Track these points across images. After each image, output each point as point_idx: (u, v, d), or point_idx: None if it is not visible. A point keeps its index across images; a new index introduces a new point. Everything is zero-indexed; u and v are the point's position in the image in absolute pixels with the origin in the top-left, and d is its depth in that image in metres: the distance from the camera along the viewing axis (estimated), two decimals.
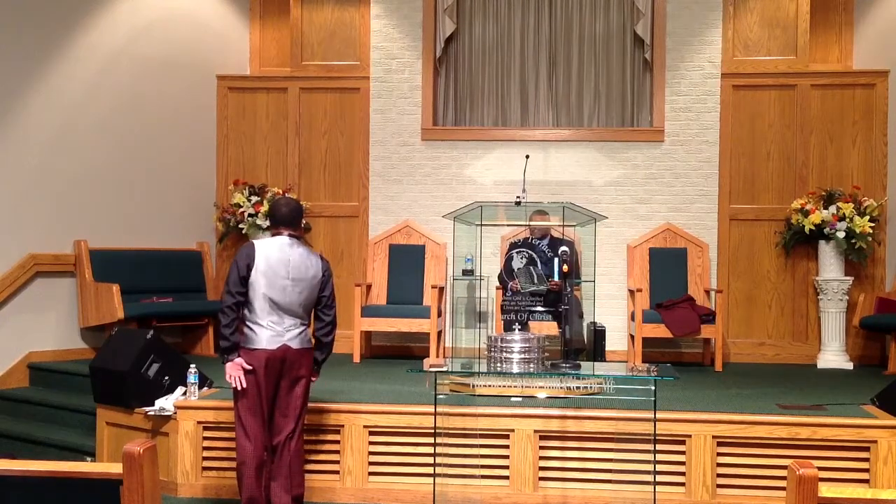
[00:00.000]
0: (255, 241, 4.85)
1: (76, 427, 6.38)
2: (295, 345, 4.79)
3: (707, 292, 7.97)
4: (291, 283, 4.77)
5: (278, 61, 8.96)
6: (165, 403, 5.52)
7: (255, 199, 8.29)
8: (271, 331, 4.75)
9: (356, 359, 7.74)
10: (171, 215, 8.21)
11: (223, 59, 8.81)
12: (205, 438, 5.53)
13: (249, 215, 8.24)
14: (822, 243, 7.84)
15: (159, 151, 8.16)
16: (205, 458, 5.53)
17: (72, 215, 7.44)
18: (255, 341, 4.75)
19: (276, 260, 4.75)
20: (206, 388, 5.84)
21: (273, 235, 4.90)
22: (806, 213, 7.77)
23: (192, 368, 5.63)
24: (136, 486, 2.18)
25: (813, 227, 7.71)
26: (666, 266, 8.03)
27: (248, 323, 4.77)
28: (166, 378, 5.64)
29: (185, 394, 5.59)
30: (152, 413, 5.50)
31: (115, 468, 2.20)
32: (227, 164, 8.77)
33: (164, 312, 7.52)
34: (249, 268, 4.72)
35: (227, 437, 5.51)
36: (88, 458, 5.79)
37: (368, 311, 7.81)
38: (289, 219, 4.91)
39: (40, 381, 7.08)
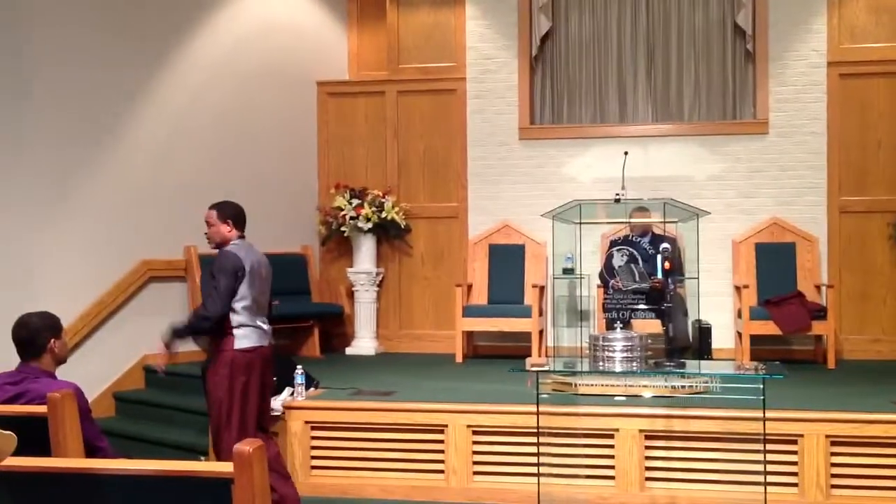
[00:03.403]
0: (233, 249, 4.92)
1: (189, 427, 6.57)
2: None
3: (817, 287, 7.73)
4: (267, 284, 5.06)
5: (376, 65, 9.07)
6: (274, 404, 5.64)
7: (355, 201, 8.41)
8: (261, 330, 4.98)
9: (459, 359, 7.78)
10: (276, 220, 8.34)
11: (322, 65, 8.96)
12: (312, 438, 5.64)
13: (351, 218, 8.36)
14: None
15: (263, 157, 8.35)
16: (313, 458, 5.63)
17: (182, 221, 7.64)
18: (255, 339, 4.93)
19: (257, 263, 4.98)
20: (312, 389, 5.95)
21: (240, 238, 5.03)
22: None
23: (299, 369, 5.75)
24: (246, 484, 2.23)
25: None
26: (773, 261, 7.83)
27: (243, 324, 4.91)
28: (274, 379, 5.75)
29: (292, 394, 5.71)
30: None
31: (227, 467, 2.27)
32: (328, 167, 8.92)
33: (270, 315, 7.65)
34: (239, 277, 4.86)
35: (335, 437, 5.61)
36: (202, 458, 5.95)
37: (470, 312, 7.84)
38: (245, 221, 5.12)
39: (155, 383, 7.30)
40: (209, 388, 4.97)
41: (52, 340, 3.83)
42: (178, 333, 4.93)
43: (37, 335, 3.81)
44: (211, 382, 4.95)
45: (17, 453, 2.17)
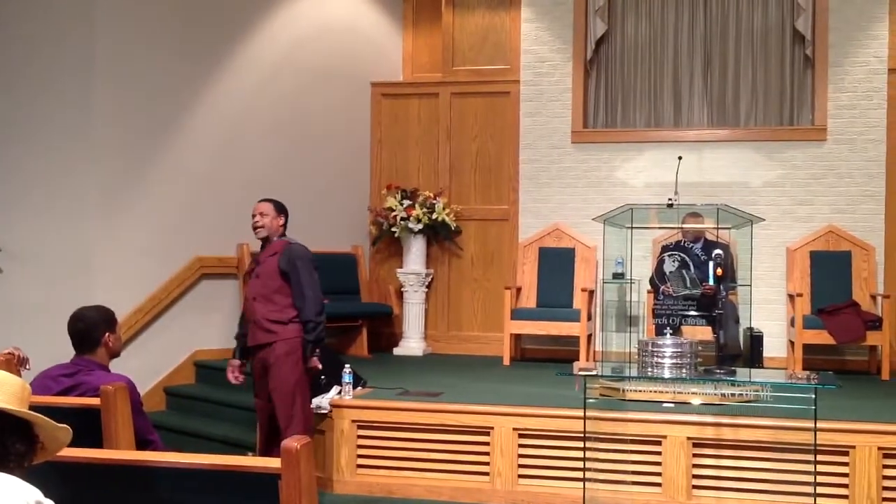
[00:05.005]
0: (299, 243, 5.21)
1: (238, 423, 6.64)
2: None
3: (873, 297, 7.59)
4: None
5: (430, 67, 9.10)
6: (322, 402, 5.68)
7: (407, 202, 8.44)
8: None
9: (506, 361, 7.78)
10: (327, 219, 8.40)
11: (377, 66, 9.01)
12: (359, 437, 5.67)
13: (401, 219, 8.39)
14: None
15: (317, 157, 8.41)
16: (359, 457, 5.66)
17: (235, 219, 7.73)
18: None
19: None
20: (359, 388, 5.98)
21: (283, 235, 5.27)
22: None
23: (347, 368, 5.79)
24: (293, 480, 2.26)
25: None
26: (828, 270, 7.70)
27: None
28: (323, 377, 5.80)
29: (340, 393, 5.74)
30: None
31: (274, 463, 2.30)
32: (381, 168, 8.96)
33: None
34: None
35: (382, 436, 5.64)
36: (249, 453, 6.02)
37: (518, 314, 7.83)
38: None
39: (206, 378, 7.39)
40: (281, 377, 5.07)
41: (107, 334, 3.90)
42: (318, 343, 5.14)
43: (92, 329, 3.88)
44: (282, 372, 5.07)
45: (70, 445, 2.22)
